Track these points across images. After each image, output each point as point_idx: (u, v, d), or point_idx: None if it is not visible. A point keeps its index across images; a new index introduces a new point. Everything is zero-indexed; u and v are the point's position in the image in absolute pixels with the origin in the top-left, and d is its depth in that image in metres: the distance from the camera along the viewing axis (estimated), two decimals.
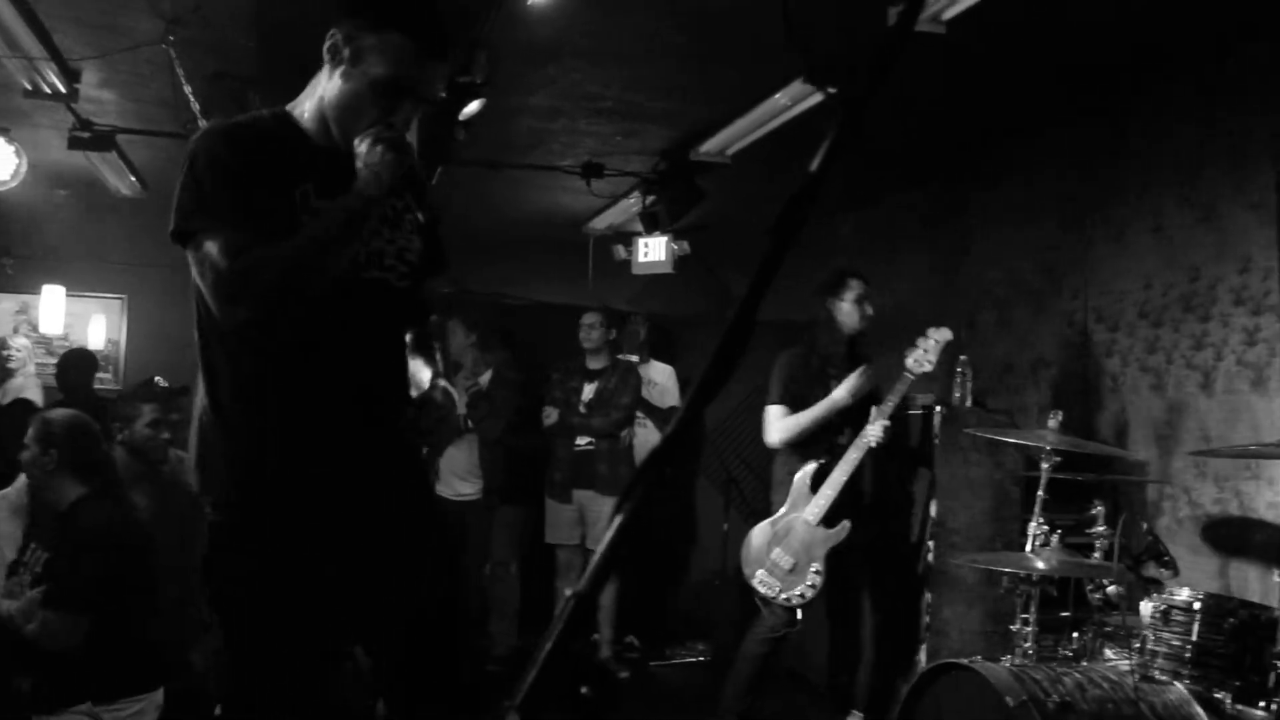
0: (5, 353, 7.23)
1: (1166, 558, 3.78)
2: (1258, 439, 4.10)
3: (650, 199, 6.50)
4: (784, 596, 4.31)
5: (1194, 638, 3.27)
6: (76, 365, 6.56)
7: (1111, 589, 3.64)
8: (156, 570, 3.50)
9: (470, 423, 5.94)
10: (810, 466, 4.41)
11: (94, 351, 7.50)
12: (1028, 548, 3.67)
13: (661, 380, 6.64)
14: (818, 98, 4.69)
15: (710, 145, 5.76)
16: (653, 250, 6.82)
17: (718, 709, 4.48)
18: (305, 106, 2.17)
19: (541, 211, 7.52)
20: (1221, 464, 4.33)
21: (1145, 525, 4.04)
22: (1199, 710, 3.13)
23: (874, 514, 4.60)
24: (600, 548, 0.91)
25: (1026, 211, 5.73)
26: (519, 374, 6.45)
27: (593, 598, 0.92)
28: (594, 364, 6.21)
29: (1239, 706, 3.17)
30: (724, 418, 6.53)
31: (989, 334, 5.95)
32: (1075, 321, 5.30)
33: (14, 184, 5.77)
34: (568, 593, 0.88)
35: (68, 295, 7.97)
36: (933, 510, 4.73)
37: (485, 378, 6.17)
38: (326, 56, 2.12)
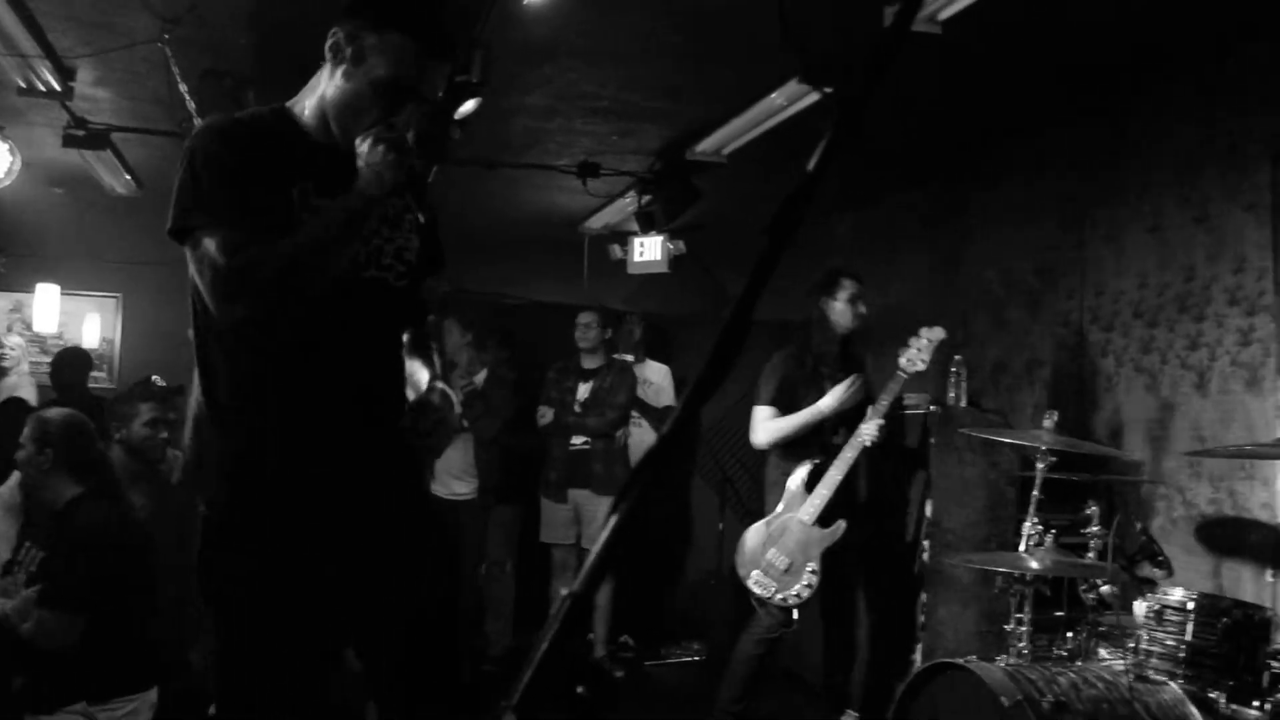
0: None
1: (1161, 558, 3.78)
2: (1252, 439, 4.11)
3: (646, 198, 6.50)
4: (780, 597, 4.31)
5: (1188, 637, 3.27)
6: (71, 364, 6.54)
7: (1106, 589, 3.65)
8: (153, 569, 3.49)
9: (465, 422, 5.93)
10: (805, 467, 4.41)
11: (89, 350, 7.48)
12: (1022, 547, 3.67)
13: (657, 380, 6.64)
14: (814, 97, 4.69)
15: (706, 145, 5.75)
16: (648, 250, 6.82)
17: (713, 710, 4.48)
18: (305, 104, 2.17)
19: (537, 211, 7.51)
20: (1216, 464, 4.34)
21: (1139, 525, 4.04)
22: (1193, 710, 3.13)
23: (869, 514, 4.60)
24: (596, 547, 0.91)
25: (1023, 212, 5.73)
26: (514, 373, 6.45)
27: (589, 597, 0.92)
28: (589, 363, 6.21)
29: (1233, 706, 3.17)
30: (719, 417, 6.53)
31: (984, 334, 5.95)
32: (1071, 321, 5.31)
33: (8, 182, 5.75)
34: (564, 592, 0.88)
35: (62, 294, 7.94)
36: (928, 510, 4.74)
37: (480, 377, 6.17)
38: (328, 55, 2.11)
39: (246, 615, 2.06)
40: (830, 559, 4.35)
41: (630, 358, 6.51)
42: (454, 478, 5.89)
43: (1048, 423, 3.81)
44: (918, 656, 4.58)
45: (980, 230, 6.09)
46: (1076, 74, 4.75)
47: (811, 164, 0.99)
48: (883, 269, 6.86)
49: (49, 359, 7.00)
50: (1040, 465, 3.75)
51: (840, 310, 4.57)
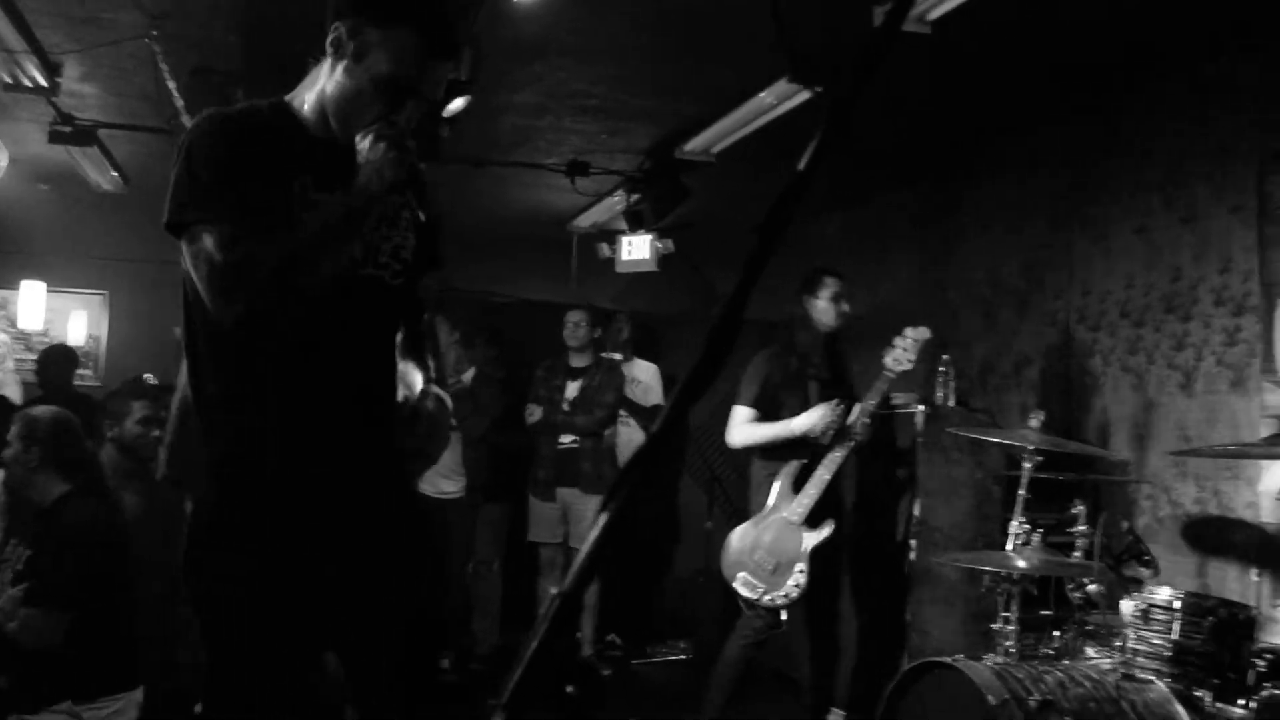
0: None
1: (1147, 557, 3.80)
2: (1237, 439, 4.13)
3: (635, 197, 6.50)
4: (768, 598, 4.31)
5: (1174, 636, 3.29)
6: (57, 362, 6.52)
7: (1092, 588, 3.66)
8: (141, 568, 3.48)
9: (454, 421, 5.92)
10: (792, 466, 4.41)
11: (74, 348, 7.45)
12: (1009, 547, 3.69)
13: (645, 379, 6.64)
14: (803, 97, 4.70)
15: (695, 143, 5.76)
16: (637, 248, 6.82)
17: (700, 712, 4.48)
18: (304, 98, 2.14)
19: (526, 209, 7.50)
20: (1201, 464, 4.36)
21: (1126, 524, 4.05)
22: (1179, 708, 3.15)
23: (857, 513, 4.61)
24: (585, 546, 0.91)
25: (1011, 212, 5.75)
26: (502, 372, 6.45)
27: (578, 597, 0.91)
28: (578, 362, 6.21)
29: (1218, 704, 3.19)
30: (708, 416, 6.54)
31: (972, 333, 5.97)
32: (1058, 321, 5.32)
33: None
34: (552, 592, 0.88)
35: (48, 291, 7.91)
36: (915, 509, 4.75)
37: (469, 375, 6.17)
38: (328, 50, 2.08)
39: (235, 615, 2.04)
40: (818, 559, 4.36)
41: (618, 356, 6.51)
42: (442, 476, 5.89)
43: (1034, 422, 3.83)
44: (905, 655, 4.59)
45: (969, 230, 6.11)
46: (1065, 74, 4.76)
47: (802, 163, 0.99)
48: (872, 268, 6.87)
49: (34, 356, 6.97)
50: (1027, 465, 3.76)
51: (823, 309, 4.57)
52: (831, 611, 4.66)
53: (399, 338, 2.34)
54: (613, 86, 5.19)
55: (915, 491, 4.77)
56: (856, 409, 4.35)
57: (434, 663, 2.27)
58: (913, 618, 4.68)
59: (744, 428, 4.52)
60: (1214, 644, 3.25)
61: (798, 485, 4.37)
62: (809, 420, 4.37)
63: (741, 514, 4.68)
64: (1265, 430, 3.96)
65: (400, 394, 2.27)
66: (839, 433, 4.34)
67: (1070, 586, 3.73)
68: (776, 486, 4.41)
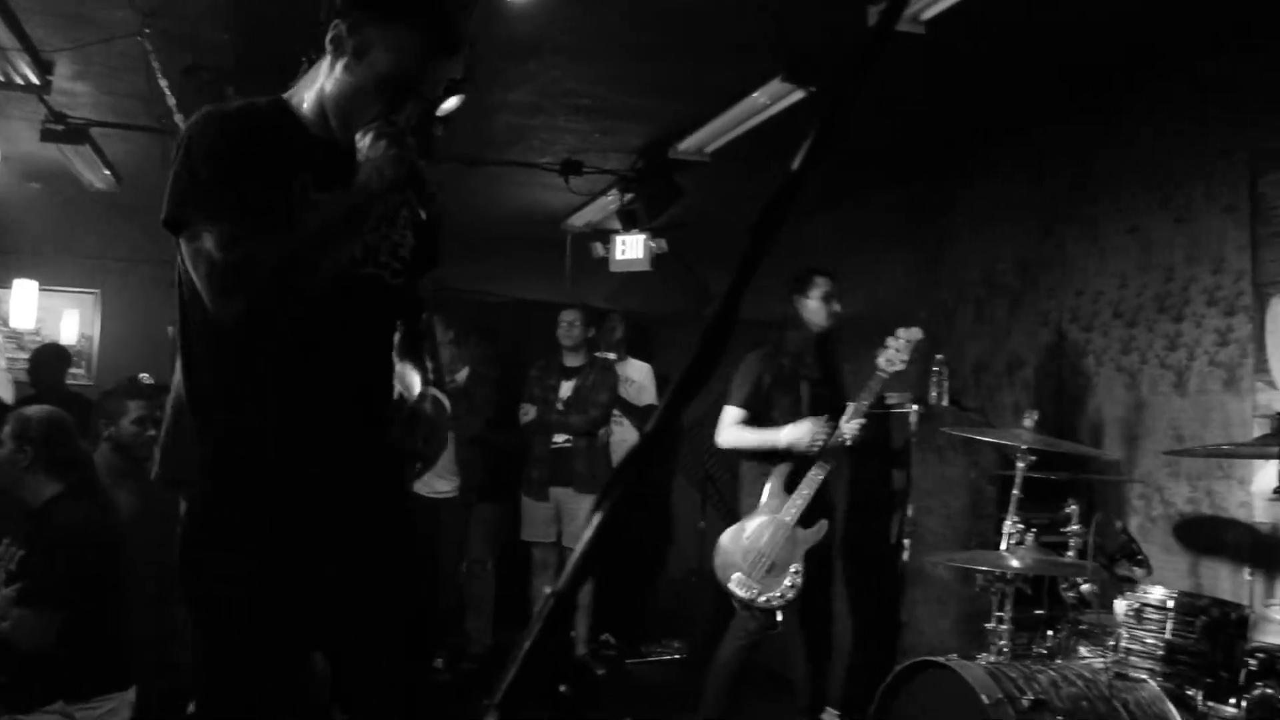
0: None
1: (1140, 556, 3.81)
2: (1229, 438, 4.14)
3: (629, 196, 6.49)
4: (764, 599, 4.30)
5: (1167, 635, 3.30)
6: (49, 361, 6.50)
7: (1086, 587, 3.67)
8: (134, 568, 3.47)
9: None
10: (784, 466, 4.41)
11: (67, 347, 7.43)
12: (1003, 546, 3.69)
13: (639, 378, 6.64)
14: (797, 96, 4.70)
15: (689, 143, 5.75)
16: (630, 248, 6.81)
17: (695, 713, 4.47)
18: (304, 96, 2.13)
19: (520, 208, 7.50)
20: (1194, 463, 4.37)
21: (1119, 524, 4.06)
22: (1171, 708, 3.15)
23: (850, 512, 4.61)
24: (579, 546, 0.91)
25: (1004, 211, 5.76)
26: (496, 371, 6.45)
27: (572, 596, 0.91)
28: (571, 361, 6.21)
29: (1210, 703, 3.20)
30: (701, 416, 6.54)
31: (966, 333, 5.97)
32: (1051, 321, 5.33)
33: None
34: (546, 591, 0.88)
35: (40, 290, 7.88)
36: (909, 509, 4.75)
37: (462, 375, 6.16)
38: (328, 47, 2.07)
39: (230, 615, 2.03)
40: (812, 558, 4.36)
41: (612, 356, 6.51)
42: (436, 475, 5.88)
43: (1028, 422, 3.83)
44: (899, 655, 4.59)
45: (962, 230, 6.11)
46: (1059, 75, 4.77)
47: (795, 163, 0.98)
48: (865, 268, 6.88)
49: (26, 355, 6.95)
50: (1021, 464, 3.77)
51: (814, 309, 4.56)
52: (825, 611, 4.66)
53: (397, 338, 2.33)
54: (607, 86, 5.18)
55: (909, 491, 4.77)
56: (849, 410, 4.36)
57: (429, 663, 2.26)
58: (907, 617, 4.69)
59: (733, 430, 4.51)
60: (1206, 643, 3.26)
61: (790, 485, 4.37)
62: (795, 434, 4.36)
63: (734, 514, 4.68)
64: (1258, 430, 3.97)
65: (398, 395, 2.26)
66: (824, 447, 4.33)
67: (1064, 586, 3.73)
68: (769, 487, 4.41)
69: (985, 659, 3.39)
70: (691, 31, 4.47)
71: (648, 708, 5.62)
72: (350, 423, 2.11)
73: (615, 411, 6.33)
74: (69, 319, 8.43)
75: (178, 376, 2.11)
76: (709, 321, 0.95)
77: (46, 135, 5.55)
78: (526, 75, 5.04)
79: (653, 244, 6.78)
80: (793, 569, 4.30)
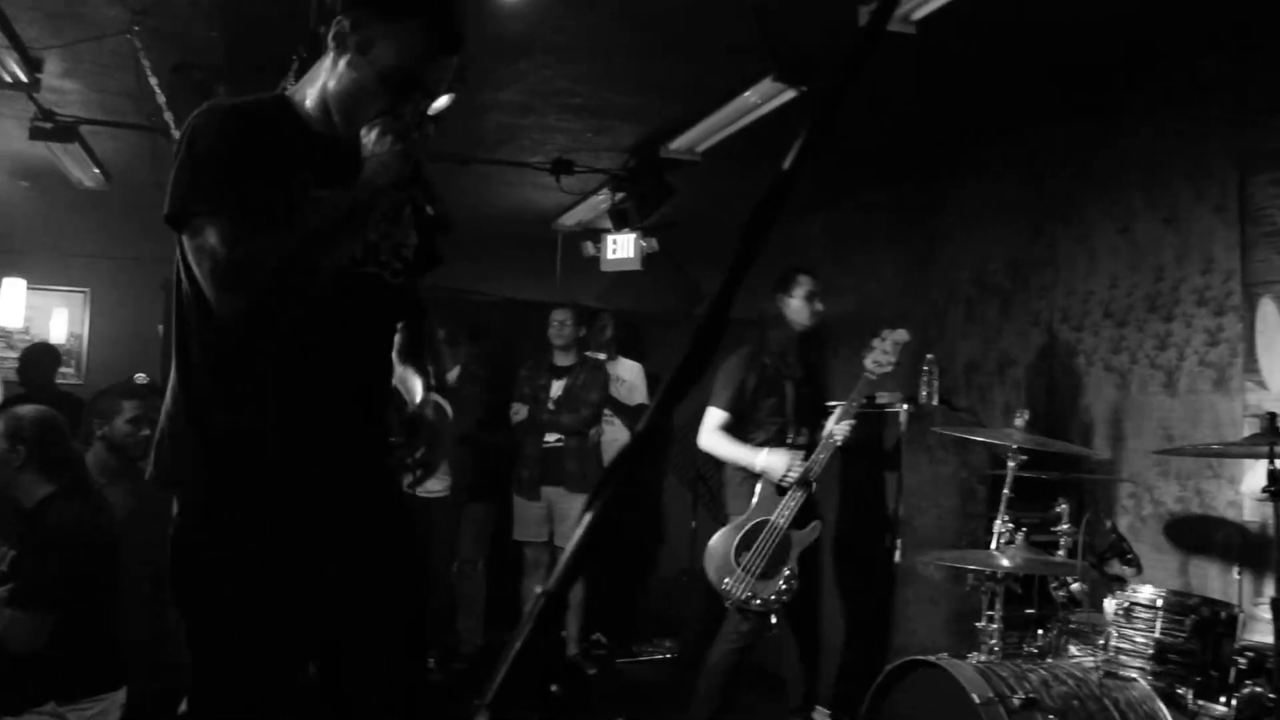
0: None
1: (1130, 555, 3.81)
2: (1219, 438, 4.15)
3: (620, 196, 6.49)
4: (758, 601, 4.30)
5: (1157, 634, 3.31)
6: (39, 361, 6.47)
7: (1076, 586, 3.68)
8: (127, 568, 3.46)
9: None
10: (779, 449, 4.40)
11: (56, 346, 7.40)
12: (993, 545, 3.70)
13: (629, 378, 6.64)
14: (788, 95, 4.70)
15: (680, 142, 5.75)
16: (621, 247, 6.81)
17: (688, 714, 4.47)
18: (306, 93, 2.12)
19: (510, 207, 7.49)
20: (1184, 463, 4.38)
21: (1109, 523, 4.08)
22: (1161, 706, 3.16)
23: (842, 512, 4.62)
24: (570, 545, 0.91)
25: (995, 211, 5.77)
26: (487, 370, 6.44)
27: (563, 596, 0.91)
28: (562, 361, 6.20)
29: (1200, 702, 3.21)
30: (692, 415, 6.55)
31: (956, 333, 5.98)
32: (1042, 321, 5.34)
33: None
34: (537, 590, 0.88)
35: (28, 288, 7.84)
36: (900, 508, 4.76)
37: (453, 374, 6.15)
38: (331, 44, 2.06)
39: (227, 616, 2.01)
40: (805, 559, 4.36)
41: (602, 356, 6.51)
42: None
43: (1019, 421, 3.84)
44: (890, 654, 4.60)
45: (953, 230, 6.12)
46: (1050, 75, 4.77)
47: (786, 163, 0.98)
48: (856, 268, 6.89)
49: (16, 354, 6.93)
50: (1011, 463, 3.78)
51: (797, 308, 4.56)
52: (814, 609, 4.66)
53: (399, 341, 2.32)
54: (598, 85, 5.18)
55: (900, 490, 4.78)
56: (839, 411, 4.36)
57: (421, 671, 2.25)
58: (897, 616, 4.69)
59: (714, 435, 4.50)
60: (1196, 642, 3.27)
61: (781, 488, 4.36)
62: (771, 463, 4.36)
63: (723, 513, 4.68)
64: (1247, 430, 3.98)
65: (399, 400, 2.25)
66: (801, 478, 4.33)
67: (1054, 585, 3.74)
68: (759, 489, 4.41)
69: (976, 658, 3.39)
70: (683, 31, 4.47)
71: (639, 707, 5.62)
72: (349, 422, 2.10)
73: (606, 411, 6.33)
74: (58, 318, 8.39)
75: (174, 376, 2.09)
76: (700, 321, 0.95)
77: (35, 133, 5.53)
78: (517, 74, 5.04)
79: (644, 243, 6.78)
80: (786, 571, 4.30)
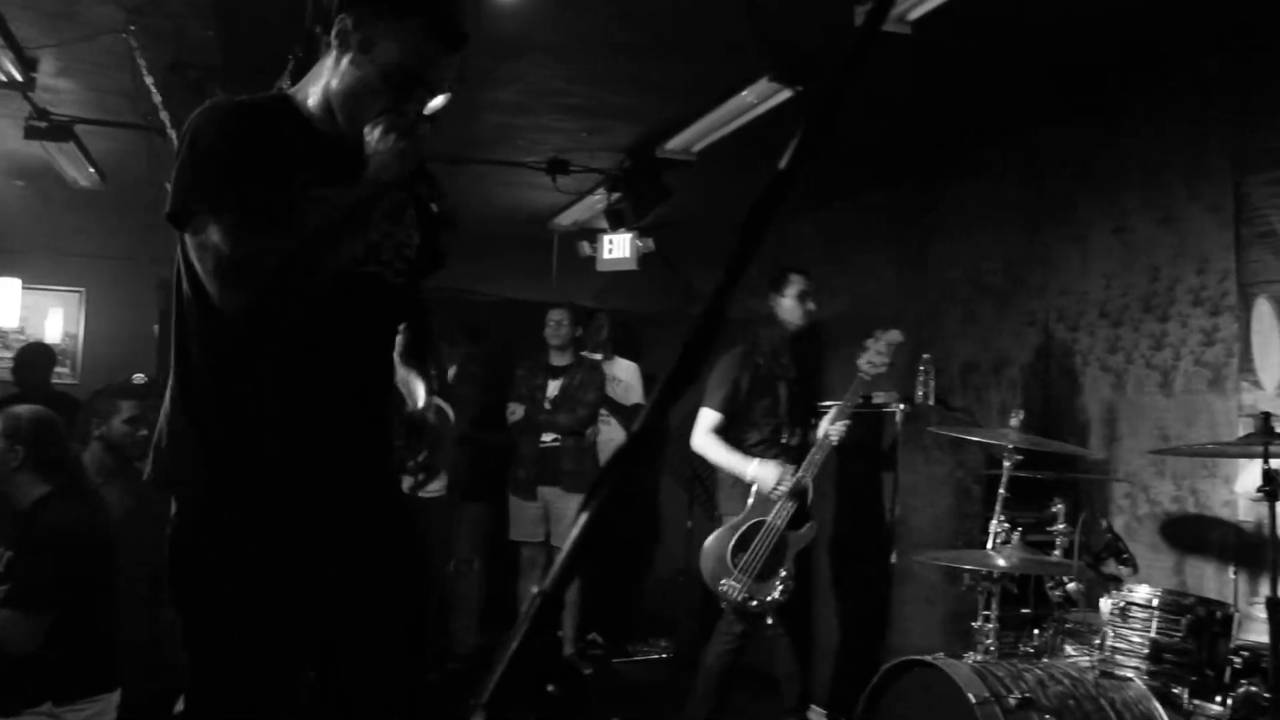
0: None
1: (1126, 555, 3.82)
2: (1215, 438, 4.15)
3: (616, 195, 6.49)
4: (754, 602, 4.30)
5: (1152, 634, 3.31)
6: (34, 361, 6.46)
7: (1072, 586, 3.68)
8: (123, 568, 3.45)
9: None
10: (770, 460, 4.40)
11: (51, 346, 7.39)
12: (989, 545, 3.70)
13: (625, 377, 6.64)
14: (784, 96, 4.70)
15: (676, 142, 5.75)
16: (617, 247, 6.81)
17: (684, 714, 4.47)
18: (308, 92, 2.12)
19: (506, 207, 7.48)
20: (1179, 463, 4.39)
21: (1105, 523, 4.08)
22: (1157, 706, 3.17)
23: (838, 512, 4.62)
24: (566, 545, 0.91)
25: (990, 211, 5.77)
26: (483, 370, 6.43)
27: (559, 596, 0.91)
28: (558, 360, 6.20)
29: (1195, 701, 3.21)
30: (688, 415, 6.55)
31: (952, 333, 5.98)
32: (1037, 321, 5.34)
33: None
34: (534, 590, 0.88)
35: (24, 288, 7.84)
36: (895, 508, 4.76)
37: (450, 374, 6.15)
38: (333, 42, 2.06)
39: (227, 616, 2.00)
40: (799, 559, 4.37)
41: (598, 356, 6.51)
42: None
43: (1014, 421, 3.85)
44: (886, 654, 4.60)
45: (948, 230, 6.12)
46: (1047, 75, 4.77)
47: (783, 163, 0.98)
48: (851, 268, 6.89)
49: (10, 354, 6.91)
50: (1007, 463, 3.78)
51: (789, 307, 4.56)
52: (807, 609, 4.66)
53: (402, 343, 2.31)
54: (593, 85, 5.18)
55: (896, 490, 4.78)
56: (834, 411, 4.36)
57: (421, 674, 2.24)
58: (893, 616, 4.69)
59: (707, 437, 4.49)
60: (1191, 641, 3.27)
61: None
62: (762, 474, 4.35)
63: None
64: (1242, 429, 3.99)
65: (402, 404, 2.24)
66: (790, 490, 4.32)
67: (1050, 585, 3.75)
68: (755, 489, 4.41)
69: (972, 658, 3.39)
70: (679, 31, 4.47)
71: (635, 707, 5.62)
72: (350, 422, 2.10)
73: (602, 411, 6.33)
74: (53, 317, 8.39)
75: (174, 376, 2.08)
76: (696, 321, 0.95)
77: (30, 132, 5.51)
78: (513, 74, 5.03)
79: (640, 243, 6.77)
80: (783, 572, 4.31)
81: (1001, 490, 3.75)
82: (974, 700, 3.08)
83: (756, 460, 4.36)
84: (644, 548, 7.10)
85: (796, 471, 4.33)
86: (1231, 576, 3.92)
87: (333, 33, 2.06)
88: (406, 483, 2.25)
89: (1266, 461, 3.14)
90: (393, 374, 2.27)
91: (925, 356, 5.08)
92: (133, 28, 4.48)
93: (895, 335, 4.34)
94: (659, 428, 0.96)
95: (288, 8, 3.82)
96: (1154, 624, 3.32)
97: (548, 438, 6.09)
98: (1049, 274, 5.28)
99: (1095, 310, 4.96)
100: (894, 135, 5.68)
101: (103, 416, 4.08)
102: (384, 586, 2.14)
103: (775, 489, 4.31)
